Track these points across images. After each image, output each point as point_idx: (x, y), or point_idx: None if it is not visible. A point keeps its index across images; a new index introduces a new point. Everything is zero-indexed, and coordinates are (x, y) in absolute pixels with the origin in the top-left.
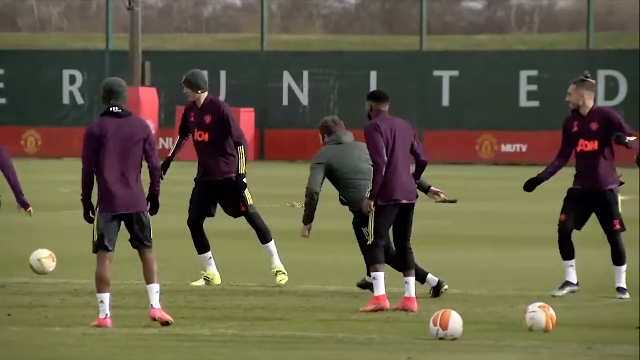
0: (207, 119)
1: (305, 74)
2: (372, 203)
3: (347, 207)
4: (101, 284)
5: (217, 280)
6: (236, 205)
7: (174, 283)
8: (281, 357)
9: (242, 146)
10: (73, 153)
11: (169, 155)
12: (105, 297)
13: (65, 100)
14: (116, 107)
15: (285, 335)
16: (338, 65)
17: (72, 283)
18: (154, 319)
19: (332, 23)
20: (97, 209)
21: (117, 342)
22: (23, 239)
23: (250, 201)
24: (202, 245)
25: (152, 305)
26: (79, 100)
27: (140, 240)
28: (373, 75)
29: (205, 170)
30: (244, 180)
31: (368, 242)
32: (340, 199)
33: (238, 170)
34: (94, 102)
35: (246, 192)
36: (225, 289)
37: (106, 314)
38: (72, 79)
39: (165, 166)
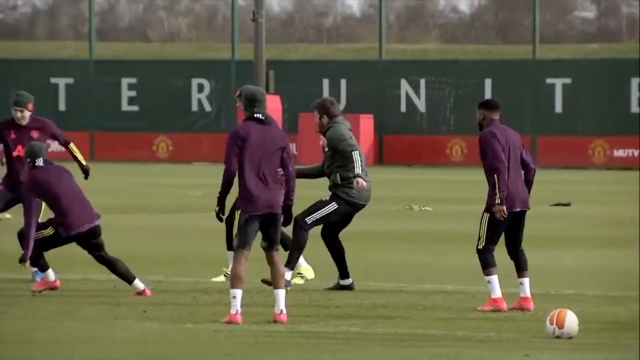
0: None
1: (422, 82)
2: (505, 208)
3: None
4: (236, 280)
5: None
6: None
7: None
8: (402, 354)
9: None
10: (202, 158)
11: None
12: (238, 293)
13: (194, 107)
14: (261, 114)
15: (406, 333)
16: (454, 74)
17: (202, 282)
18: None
19: (448, 33)
20: (240, 210)
21: (247, 338)
22: (155, 240)
23: None
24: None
25: (282, 310)
26: (207, 107)
27: (273, 242)
28: (488, 83)
29: None
30: None
31: (479, 247)
32: (340, 176)
33: None
34: (221, 109)
35: None
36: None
37: (237, 310)
38: (201, 88)
39: None
